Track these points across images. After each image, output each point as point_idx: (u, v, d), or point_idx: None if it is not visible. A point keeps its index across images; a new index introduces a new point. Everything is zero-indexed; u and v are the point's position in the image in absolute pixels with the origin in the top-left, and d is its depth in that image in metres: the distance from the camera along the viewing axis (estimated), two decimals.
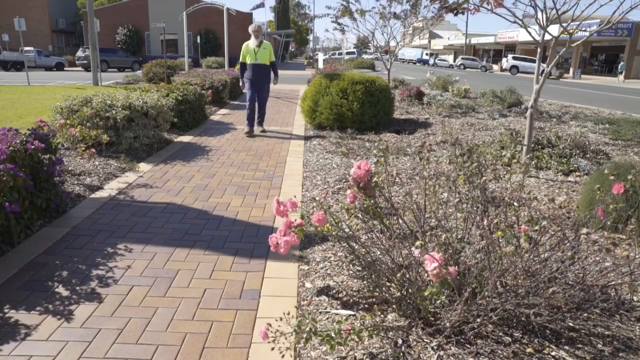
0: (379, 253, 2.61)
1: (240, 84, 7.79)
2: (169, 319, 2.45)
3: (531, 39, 5.97)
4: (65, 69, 30.99)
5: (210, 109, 10.32)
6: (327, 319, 2.46)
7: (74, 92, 8.52)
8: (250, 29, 7.39)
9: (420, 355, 2.14)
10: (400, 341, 2.22)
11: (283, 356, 2.02)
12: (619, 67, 33.15)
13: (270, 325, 2.04)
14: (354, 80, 8.14)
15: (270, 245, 2.24)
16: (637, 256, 2.92)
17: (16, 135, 3.48)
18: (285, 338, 2.17)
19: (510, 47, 46.63)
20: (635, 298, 2.67)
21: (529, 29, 5.10)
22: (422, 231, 2.38)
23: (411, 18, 11.46)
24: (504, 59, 41.19)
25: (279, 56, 52.50)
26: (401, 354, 2.14)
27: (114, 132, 5.87)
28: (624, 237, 1.98)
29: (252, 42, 7.35)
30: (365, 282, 2.67)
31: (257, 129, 7.65)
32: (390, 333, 2.28)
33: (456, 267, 1.96)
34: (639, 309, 2.56)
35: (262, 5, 42.82)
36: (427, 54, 53.98)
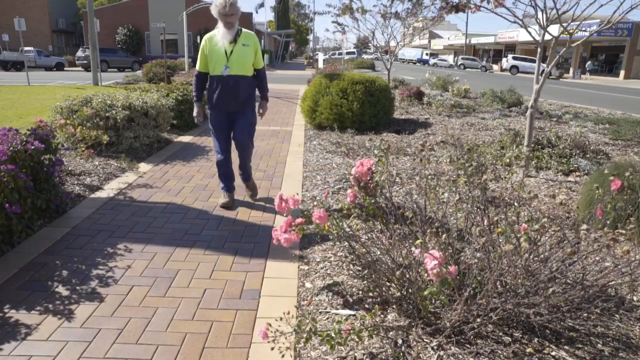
0: (379, 253, 2.61)
1: (195, 112, 4.12)
2: (169, 319, 2.45)
3: (531, 39, 5.98)
4: (65, 69, 31.00)
5: None
6: (327, 319, 2.46)
7: (74, 92, 8.52)
8: (217, 9, 3.69)
9: (420, 355, 2.14)
10: (400, 341, 2.22)
11: (283, 356, 2.03)
12: (587, 65, 33.36)
13: (270, 325, 2.04)
14: (354, 80, 8.15)
15: (273, 238, 2.24)
16: (637, 255, 2.92)
17: (16, 136, 3.48)
18: (285, 338, 2.17)
19: (510, 47, 46.62)
20: (635, 298, 2.67)
21: (529, 29, 5.10)
22: (422, 231, 2.38)
23: (411, 18, 11.46)
24: (504, 59, 41.18)
25: (278, 56, 52.01)
26: (401, 354, 2.14)
27: (114, 132, 5.87)
28: (624, 232, 1.98)
29: (221, 36, 3.80)
30: (365, 282, 2.67)
31: (246, 193, 4.39)
32: (390, 333, 2.28)
33: (456, 266, 1.96)
34: (639, 308, 2.56)
35: (262, 5, 42.76)
36: (427, 54, 53.96)
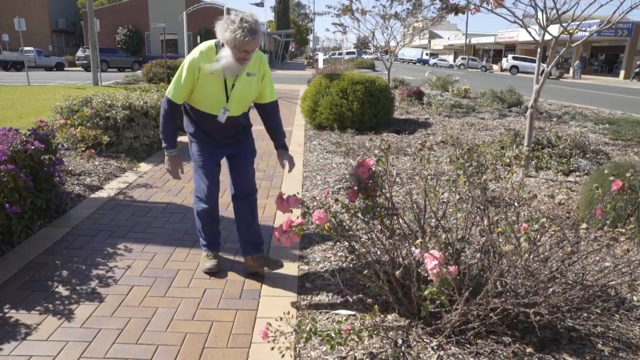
0: (379, 253, 2.61)
1: (167, 165, 2.76)
2: (169, 319, 2.45)
3: (531, 39, 5.99)
4: (65, 69, 30.98)
5: None
6: (327, 319, 2.46)
7: (74, 92, 8.51)
8: (232, 37, 2.35)
9: (420, 355, 2.14)
10: (400, 341, 2.22)
11: (283, 356, 2.03)
12: (575, 64, 33.50)
13: (270, 325, 2.04)
14: (354, 80, 8.15)
15: (274, 237, 2.24)
16: (637, 255, 2.92)
17: (16, 136, 3.48)
18: (285, 338, 2.17)
19: (510, 47, 46.60)
20: (635, 298, 2.67)
21: (529, 29, 5.10)
22: (423, 231, 2.38)
23: (411, 18, 11.47)
24: (504, 59, 41.14)
25: (278, 56, 51.94)
26: (401, 354, 2.14)
27: (114, 132, 5.87)
28: (624, 231, 1.98)
29: (225, 64, 2.47)
30: (365, 281, 2.67)
31: (251, 265, 2.90)
32: (390, 333, 2.28)
33: (456, 266, 1.96)
34: (639, 308, 2.56)
35: (261, 4, 42.71)
36: (427, 54, 53.95)
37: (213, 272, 2.92)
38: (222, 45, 2.46)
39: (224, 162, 2.90)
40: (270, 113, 2.81)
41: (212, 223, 2.92)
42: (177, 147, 2.75)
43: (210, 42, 2.54)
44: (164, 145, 2.72)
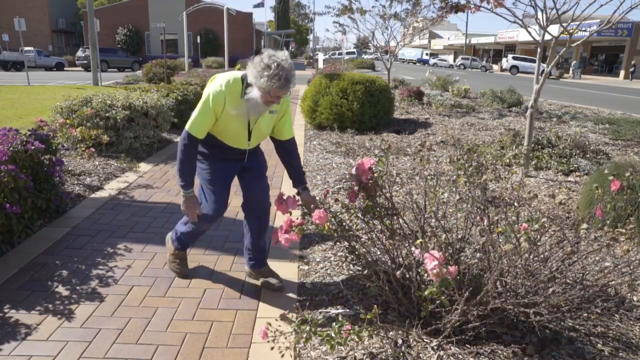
0: (379, 253, 2.61)
1: (184, 206, 2.52)
2: (169, 319, 2.45)
3: (531, 39, 5.99)
4: (65, 69, 30.98)
5: None
6: (327, 319, 2.46)
7: (74, 92, 8.51)
8: (267, 83, 2.23)
9: (420, 355, 2.14)
10: (400, 341, 2.22)
11: (283, 356, 2.03)
12: (572, 64, 33.54)
13: (270, 325, 2.04)
14: (354, 80, 8.15)
15: (272, 240, 2.25)
16: (637, 255, 2.92)
17: (16, 136, 3.48)
18: (285, 338, 2.17)
19: (510, 47, 46.61)
20: (635, 298, 2.67)
21: (529, 29, 5.10)
22: (423, 231, 2.38)
23: (411, 18, 11.48)
24: (504, 59, 41.16)
25: None
26: (401, 354, 2.14)
27: (114, 132, 5.87)
28: (624, 231, 1.99)
29: (252, 105, 2.37)
30: (365, 281, 2.67)
31: (252, 274, 2.88)
32: (390, 333, 2.28)
33: (456, 266, 1.96)
34: (639, 308, 2.56)
35: (261, 4, 42.80)
36: (427, 54, 53.98)
37: (183, 272, 2.89)
38: (250, 84, 2.33)
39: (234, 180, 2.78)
40: (290, 149, 2.74)
41: (200, 236, 2.88)
42: (194, 185, 2.53)
43: (237, 75, 2.42)
44: (180, 183, 2.48)
